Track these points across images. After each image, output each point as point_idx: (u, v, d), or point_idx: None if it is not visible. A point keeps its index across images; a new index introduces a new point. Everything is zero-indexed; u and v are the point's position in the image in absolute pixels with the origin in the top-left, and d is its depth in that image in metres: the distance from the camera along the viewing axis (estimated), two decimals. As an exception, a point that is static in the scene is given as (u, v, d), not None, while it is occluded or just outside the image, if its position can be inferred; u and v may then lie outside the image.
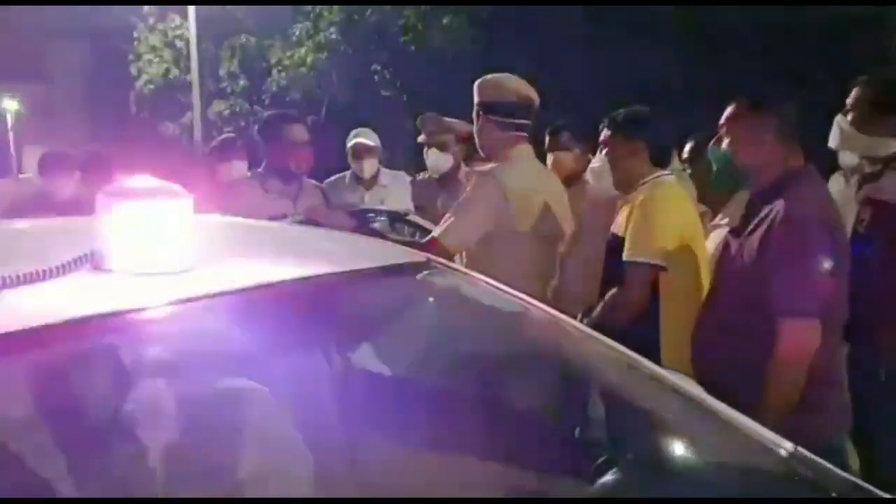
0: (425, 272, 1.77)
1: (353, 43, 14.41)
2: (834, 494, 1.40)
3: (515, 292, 1.79)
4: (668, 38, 11.21)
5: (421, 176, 4.43)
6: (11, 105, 30.89)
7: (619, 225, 2.74)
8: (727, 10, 10.99)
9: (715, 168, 2.48)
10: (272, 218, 2.78)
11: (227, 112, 15.85)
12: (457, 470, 1.72)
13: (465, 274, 1.82)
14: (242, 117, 15.85)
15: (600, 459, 1.64)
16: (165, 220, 1.32)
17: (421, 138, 4.04)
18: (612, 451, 1.68)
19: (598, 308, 2.65)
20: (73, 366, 1.38)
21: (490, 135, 2.81)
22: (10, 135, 30.92)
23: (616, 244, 2.69)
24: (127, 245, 1.31)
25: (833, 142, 2.70)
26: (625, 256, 2.62)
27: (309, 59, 14.82)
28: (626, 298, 2.59)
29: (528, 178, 2.78)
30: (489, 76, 2.84)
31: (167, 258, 1.34)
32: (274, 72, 15.73)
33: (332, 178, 4.78)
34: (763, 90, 2.49)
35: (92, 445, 1.57)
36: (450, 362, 1.85)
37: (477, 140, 2.89)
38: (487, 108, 2.78)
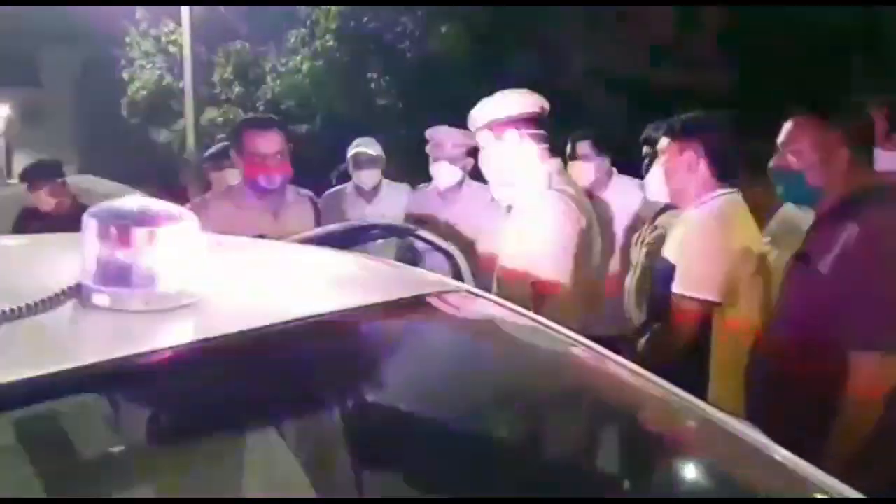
0: (457, 301, 1.59)
1: (349, 50, 14.22)
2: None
3: (552, 324, 1.60)
4: (671, 47, 11.07)
5: (421, 187, 4.23)
6: (3, 110, 30.63)
7: (671, 248, 2.48)
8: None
9: (781, 190, 2.24)
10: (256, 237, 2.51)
11: (220, 119, 15.62)
12: None
13: (499, 303, 1.64)
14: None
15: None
16: (161, 248, 1.13)
17: (429, 149, 3.86)
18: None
19: (642, 343, 2.44)
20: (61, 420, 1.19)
21: (523, 148, 2.56)
22: (1, 140, 30.66)
23: (665, 270, 2.44)
24: (118, 276, 1.12)
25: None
26: (675, 288, 2.36)
27: (305, 67, 14.63)
28: (674, 338, 2.34)
29: (578, 192, 2.61)
30: (508, 90, 2.64)
31: (167, 292, 1.15)
32: (269, 79, 15.54)
33: (333, 189, 4.59)
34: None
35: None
36: (482, 398, 1.66)
37: (497, 156, 2.61)
38: (518, 120, 2.54)
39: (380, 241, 3.15)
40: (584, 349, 1.55)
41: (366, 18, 14.07)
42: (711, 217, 2.38)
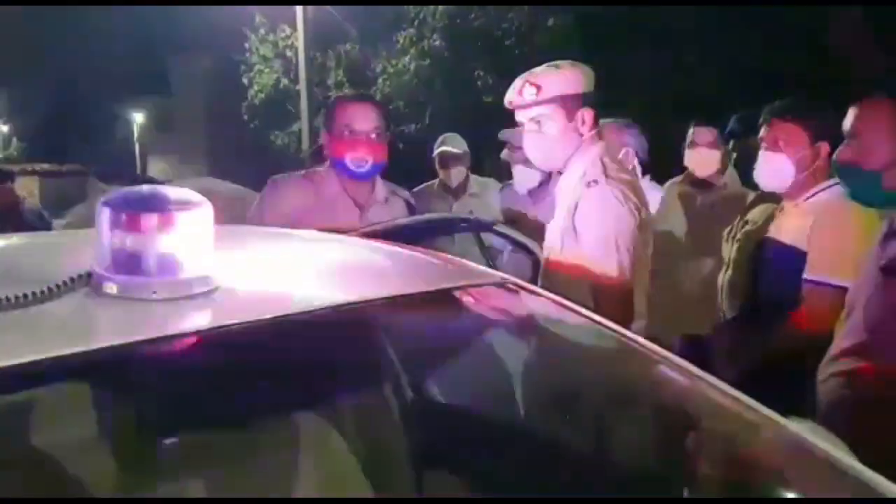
0: (503, 293, 1.51)
1: (456, 49, 14.27)
2: None
3: (601, 318, 1.50)
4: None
5: (508, 183, 4.14)
6: (137, 117, 32.47)
7: (792, 237, 2.31)
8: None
9: (849, 190, 2.01)
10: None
11: (332, 120, 16.02)
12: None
13: (544, 296, 1.55)
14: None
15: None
16: (179, 234, 1.11)
17: (504, 154, 3.77)
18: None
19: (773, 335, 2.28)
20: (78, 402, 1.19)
21: (582, 130, 2.23)
22: (136, 146, 32.50)
23: (779, 260, 2.32)
24: (130, 263, 1.11)
25: None
26: (807, 275, 2.20)
27: (413, 67, 14.79)
28: (805, 325, 2.16)
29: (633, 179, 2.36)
30: (561, 62, 2.29)
31: (179, 280, 1.13)
32: (379, 80, 15.80)
33: (421, 186, 4.57)
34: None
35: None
36: (523, 392, 1.58)
37: (553, 138, 2.24)
38: (580, 98, 2.21)
39: (456, 234, 3.07)
40: (633, 344, 1.44)
41: (472, 16, 14.10)
42: (842, 204, 2.13)
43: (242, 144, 20.38)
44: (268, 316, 1.17)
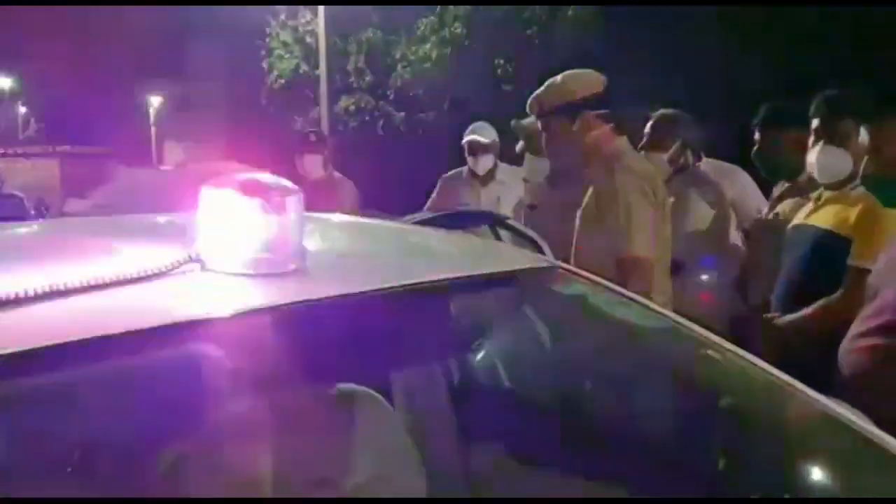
0: (551, 277, 1.63)
1: (477, 37, 14.36)
2: None
3: (646, 301, 1.63)
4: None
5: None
6: (155, 101, 32.74)
7: (838, 224, 2.41)
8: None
9: (881, 199, 2.15)
10: None
11: (353, 107, 16.14)
12: (568, 483, 1.60)
13: (593, 281, 1.67)
14: (368, 112, 16.11)
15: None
16: (280, 216, 1.24)
17: (519, 147, 3.92)
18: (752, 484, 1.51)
19: (808, 311, 2.39)
20: (180, 370, 1.33)
21: (595, 129, 2.57)
22: (153, 129, 32.79)
23: (818, 247, 2.43)
24: (232, 243, 1.24)
25: None
26: (853, 261, 2.30)
27: (434, 55, 14.89)
28: (846, 307, 2.24)
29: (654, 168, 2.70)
30: (571, 71, 2.67)
31: (277, 258, 1.26)
32: (399, 67, 15.90)
33: (450, 172, 4.70)
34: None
35: (205, 447, 1.52)
36: (573, 372, 1.71)
37: (566, 139, 2.61)
38: (585, 102, 2.56)
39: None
40: (674, 322, 1.56)
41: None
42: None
43: (261, 129, 20.55)
44: (352, 291, 1.30)
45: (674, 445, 1.65)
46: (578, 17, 12.78)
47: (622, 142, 2.60)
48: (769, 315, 2.53)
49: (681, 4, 11.07)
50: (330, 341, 1.35)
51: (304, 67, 17.81)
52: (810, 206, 2.58)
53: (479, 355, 1.81)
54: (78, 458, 1.20)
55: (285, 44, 18.30)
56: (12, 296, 1.05)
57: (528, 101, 2.71)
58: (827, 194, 2.53)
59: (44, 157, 19.14)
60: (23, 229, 1.76)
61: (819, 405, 1.46)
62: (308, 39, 17.48)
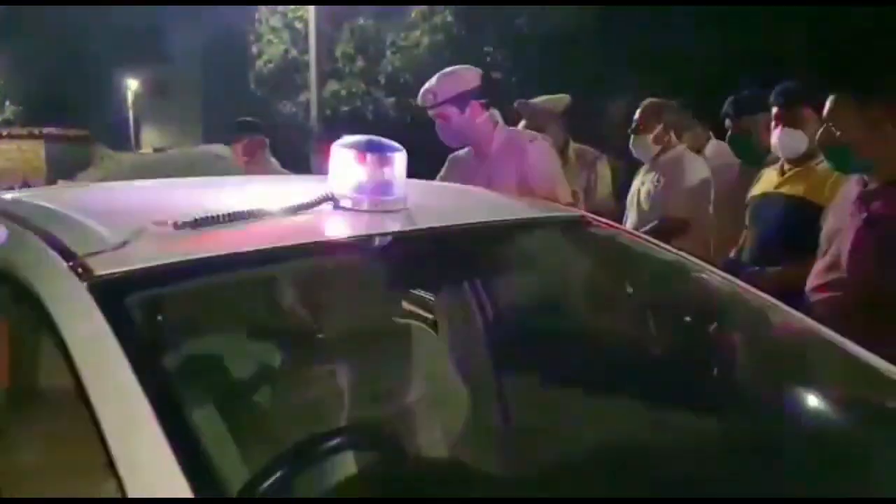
0: (585, 224, 2.03)
1: (467, 25, 14.69)
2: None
3: (660, 243, 2.03)
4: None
5: None
6: (132, 84, 32.63)
7: (804, 190, 2.82)
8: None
9: (832, 165, 2.57)
10: None
11: (343, 92, 16.40)
12: (596, 405, 1.89)
13: (619, 228, 2.07)
14: (358, 98, 16.40)
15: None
16: (391, 168, 1.62)
17: (521, 125, 4.31)
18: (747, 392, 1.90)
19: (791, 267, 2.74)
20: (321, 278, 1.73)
21: (480, 116, 3.03)
22: (130, 112, 32.70)
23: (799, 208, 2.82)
24: (357, 187, 1.61)
25: None
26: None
27: (424, 41, 15.20)
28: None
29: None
30: (456, 67, 3.13)
31: (391, 198, 1.64)
32: (388, 53, 16.19)
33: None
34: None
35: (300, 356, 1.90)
36: (606, 305, 2.09)
37: (459, 125, 3.04)
38: (473, 93, 3.01)
39: None
40: (690, 261, 1.95)
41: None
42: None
43: (243, 113, 20.65)
44: (440, 224, 1.69)
45: (686, 365, 2.01)
46: (568, 6, 13.12)
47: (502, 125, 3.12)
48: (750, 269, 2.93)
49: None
50: (430, 260, 1.74)
51: (293, 52, 18.04)
52: (776, 177, 3.01)
53: (519, 289, 2.20)
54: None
55: (274, 29, 18.49)
56: (214, 217, 1.42)
57: (422, 93, 3.07)
58: (791, 167, 2.96)
59: (29, 138, 18.98)
60: (181, 184, 2.14)
61: (807, 323, 1.83)
62: (297, 25, 17.69)
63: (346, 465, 1.45)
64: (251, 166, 4.76)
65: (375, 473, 1.42)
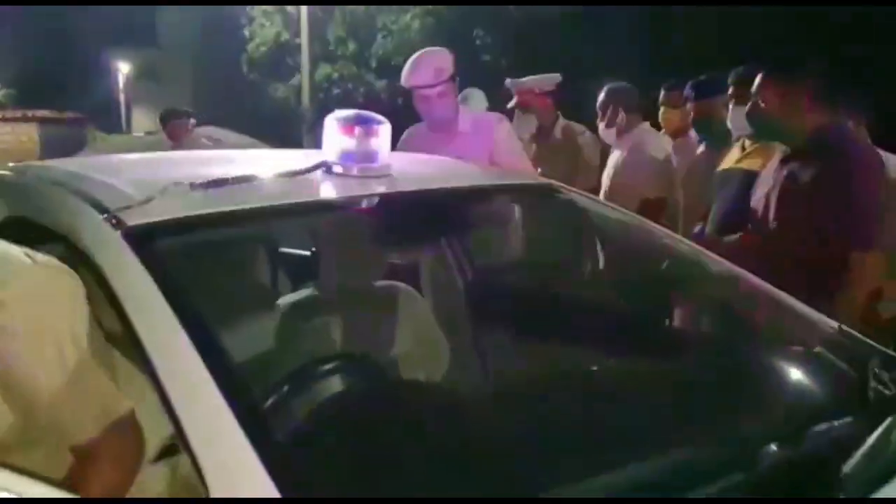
0: (554, 191, 2.28)
1: (457, 8, 14.84)
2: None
3: (621, 208, 2.28)
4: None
5: None
6: (124, 68, 32.62)
7: (763, 164, 2.97)
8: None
9: (758, 135, 2.88)
10: None
11: (335, 75, 16.56)
12: (560, 354, 2.11)
13: (585, 195, 2.32)
14: (349, 81, 16.57)
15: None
16: (377, 138, 1.86)
17: (511, 103, 4.52)
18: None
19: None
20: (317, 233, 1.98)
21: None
22: (122, 96, 32.70)
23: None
24: (350, 155, 1.85)
25: None
26: None
27: (415, 25, 15.34)
28: None
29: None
30: (433, 50, 3.37)
31: (376, 165, 1.88)
32: (380, 36, 16.34)
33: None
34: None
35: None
36: (571, 263, 2.35)
37: (453, 104, 3.28)
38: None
39: None
40: (644, 223, 2.20)
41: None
42: None
43: (234, 96, 20.77)
44: (419, 188, 1.94)
45: (640, 316, 2.26)
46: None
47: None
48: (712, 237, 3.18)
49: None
50: (413, 219, 1.99)
51: (285, 36, 18.17)
52: (737, 153, 3.25)
53: (493, 249, 2.45)
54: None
55: (266, 12, 18.60)
56: (225, 179, 1.67)
57: (424, 71, 3.23)
58: (752, 144, 3.21)
59: (22, 121, 18.98)
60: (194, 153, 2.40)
61: (755, 281, 2.06)
62: (289, 9, 17.81)
63: (337, 385, 1.70)
64: (179, 148, 5.38)
65: (361, 391, 1.67)
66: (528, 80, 4.50)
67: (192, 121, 6.24)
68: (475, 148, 3.14)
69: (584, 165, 4.41)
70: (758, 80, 2.71)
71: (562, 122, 4.53)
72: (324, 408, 1.54)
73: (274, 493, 1.05)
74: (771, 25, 10.33)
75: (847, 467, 1.25)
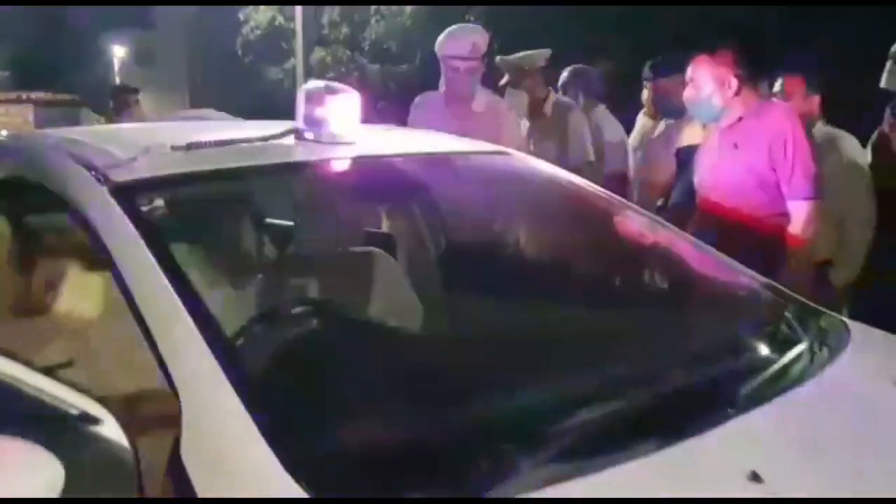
0: (507, 157, 2.46)
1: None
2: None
3: (574, 175, 2.46)
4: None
5: None
6: (119, 51, 32.67)
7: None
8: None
9: (697, 117, 3.08)
10: None
11: (328, 59, 16.68)
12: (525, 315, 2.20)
13: (535, 160, 2.51)
14: (343, 64, 16.70)
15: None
16: (345, 107, 2.02)
17: (504, 80, 4.65)
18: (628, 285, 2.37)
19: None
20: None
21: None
22: (117, 79, 32.78)
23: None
24: (320, 122, 2.02)
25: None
26: None
27: (408, 9, 15.46)
28: None
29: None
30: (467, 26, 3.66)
31: (344, 132, 2.05)
32: (373, 21, 16.45)
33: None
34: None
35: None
36: (528, 223, 2.52)
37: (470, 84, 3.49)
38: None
39: None
40: (611, 200, 2.37)
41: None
42: None
43: (228, 79, 20.88)
44: (377, 153, 2.12)
45: (589, 273, 2.44)
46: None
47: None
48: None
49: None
50: (378, 184, 2.16)
51: (279, 19, 18.27)
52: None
53: (458, 214, 2.62)
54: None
55: (261, -4, 18.73)
56: (202, 142, 1.84)
57: (465, 44, 3.44)
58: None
59: (17, 103, 19.00)
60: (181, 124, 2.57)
61: (697, 244, 2.23)
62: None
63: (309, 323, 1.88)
64: (122, 122, 5.88)
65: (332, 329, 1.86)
66: (516, 57, 4.58)
67: (136, 97, 6.80)
68: (486, 131, 3.20)
69: (572, 139, 4.38)
70: (690, 66, 2.86)
71: (552, 98, 4.61)
72: (292, 342, 1.72)
73: (236, 403, 1.23)
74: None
75: (742, 390, 1.46)
